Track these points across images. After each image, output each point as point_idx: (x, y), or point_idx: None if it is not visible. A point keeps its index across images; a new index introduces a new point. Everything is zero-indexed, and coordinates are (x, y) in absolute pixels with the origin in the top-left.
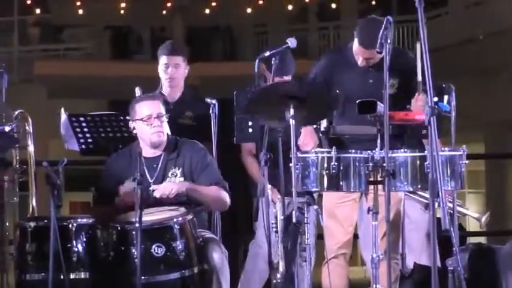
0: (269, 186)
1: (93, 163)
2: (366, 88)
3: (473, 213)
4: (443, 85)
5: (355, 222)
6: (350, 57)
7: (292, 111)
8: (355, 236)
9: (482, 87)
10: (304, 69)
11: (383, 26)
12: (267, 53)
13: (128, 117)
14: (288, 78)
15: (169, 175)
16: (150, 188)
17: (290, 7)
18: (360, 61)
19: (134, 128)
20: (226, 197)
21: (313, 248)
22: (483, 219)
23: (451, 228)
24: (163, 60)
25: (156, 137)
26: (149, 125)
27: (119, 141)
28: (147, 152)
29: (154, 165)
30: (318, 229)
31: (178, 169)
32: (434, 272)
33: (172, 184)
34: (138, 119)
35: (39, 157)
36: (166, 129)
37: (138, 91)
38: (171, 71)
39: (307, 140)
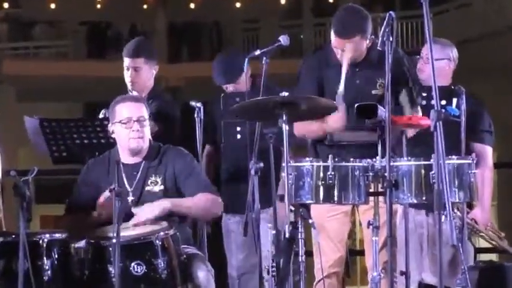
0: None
1: (67, 172)
2: (353, 89)
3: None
4: (453, 87)
5: (346, 237)
6: (333, 56)
7: (285, 117)
8: (354, 253)
9: (495, 89)
10: (298, 69)
11: (385, 21)
12: (258, 52)
13: (103, 118)
14: (231, 87)
15: (149, 183)
16: (129, 198)
17: (283, 1)
18: (339, 55)
19: (113, 132)
20: (216, 201)
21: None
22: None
23: (459, 244)
24: (124, 62)
25: (134, 143)
26: (128, 128)
27: (96, 149)
28: (127, 158)
29: (134, 173)
30: (307, 245)
31: (159, 177)
32: None
33: (152, 208)
34: (116, 122)
35: (6, 166)
36: (148, 135)
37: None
38: (131, 75)
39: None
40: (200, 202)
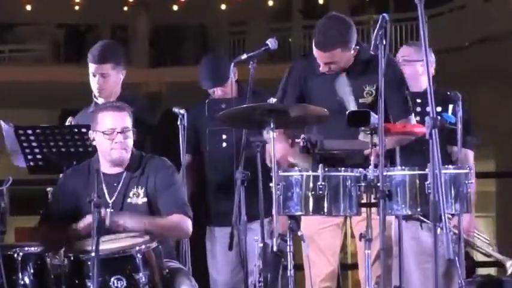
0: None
1: (44, 183)
2: (339, 98)
3: (498, 255)
4: (449, 93)
5: (338, 250)
6: (318, 64)
7: (272, 124)
8: (345, 267)
9: (493, 95)
10: None
11: (378, 23)
12: (244, 56)
13: (82, 125)
14: (219, 91)
15: (131, 195)
16: (107, 210)
17: (271, 3)
18: (321, 67)
19: (94, 139)
20: (187, 225)
21: None
22: (508, 264)
23: (456, 258)
24: (90, 68)
25: (117, 154)
26: (111, 140)
27: (74, 157)
28: (107, 168)
29: (115, 184)
30: (296, 259)
31: (141, 188)
32: None
33: (130, 220)
34: (98, 131)
35: None
36: (131, 145)
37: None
38: (99, 81)
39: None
40: (172, 224)
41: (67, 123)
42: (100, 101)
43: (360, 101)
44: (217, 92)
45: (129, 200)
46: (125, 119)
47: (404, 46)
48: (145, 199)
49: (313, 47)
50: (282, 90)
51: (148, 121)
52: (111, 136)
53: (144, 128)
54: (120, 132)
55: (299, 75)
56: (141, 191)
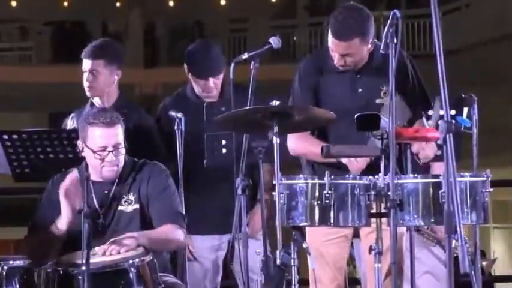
0: None
1: (30, 191)
2: (354, 98)
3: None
4: (464, 95)
5: (345, 264)
6: (330, 60)
7: (276, 128)
8: (354, 282)
9: (505, 98)
10: (291, 76)
11: (389, 21)
12: (245, 56)
13: (71, 129)
14: (216, 80)
15: (123, 203)
16: (99, 221)
17: None
18: (336, 59)
19: (83, 150)
20: (179, 235)
21: None
22: (484, 263)
23: (472, 272)
24: (83, 64)
25: (108, 172)
26: (101, 159)
27: (63, 165)
28: (97, 176)
29: (106, 192)
30: (302, 273)
31: (133, 195)
32: None
33: (118, 246)
34: (88, 147)
35: None
36: (123, 159)
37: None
38: (88, 78)
39: None
40: (163, 235)
41: (69, 120)
42: (96, 100)
43: (377, 101)
44: (209, 84)
45: (120, 208)
46: (116, 135)
47: None
48: (137, 205)
49: (329, 38)
50: (297, 95)
51: (151, 128)
52: (102, 155)
53: (148, 135)
54: (111, 151)
55: (311, 73)
56: (133, 198)
